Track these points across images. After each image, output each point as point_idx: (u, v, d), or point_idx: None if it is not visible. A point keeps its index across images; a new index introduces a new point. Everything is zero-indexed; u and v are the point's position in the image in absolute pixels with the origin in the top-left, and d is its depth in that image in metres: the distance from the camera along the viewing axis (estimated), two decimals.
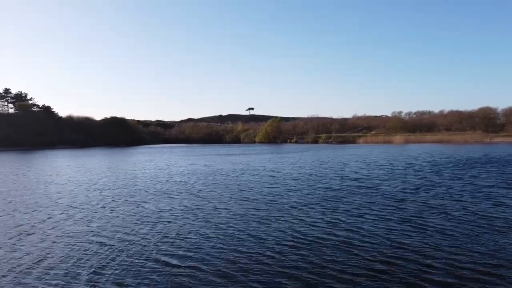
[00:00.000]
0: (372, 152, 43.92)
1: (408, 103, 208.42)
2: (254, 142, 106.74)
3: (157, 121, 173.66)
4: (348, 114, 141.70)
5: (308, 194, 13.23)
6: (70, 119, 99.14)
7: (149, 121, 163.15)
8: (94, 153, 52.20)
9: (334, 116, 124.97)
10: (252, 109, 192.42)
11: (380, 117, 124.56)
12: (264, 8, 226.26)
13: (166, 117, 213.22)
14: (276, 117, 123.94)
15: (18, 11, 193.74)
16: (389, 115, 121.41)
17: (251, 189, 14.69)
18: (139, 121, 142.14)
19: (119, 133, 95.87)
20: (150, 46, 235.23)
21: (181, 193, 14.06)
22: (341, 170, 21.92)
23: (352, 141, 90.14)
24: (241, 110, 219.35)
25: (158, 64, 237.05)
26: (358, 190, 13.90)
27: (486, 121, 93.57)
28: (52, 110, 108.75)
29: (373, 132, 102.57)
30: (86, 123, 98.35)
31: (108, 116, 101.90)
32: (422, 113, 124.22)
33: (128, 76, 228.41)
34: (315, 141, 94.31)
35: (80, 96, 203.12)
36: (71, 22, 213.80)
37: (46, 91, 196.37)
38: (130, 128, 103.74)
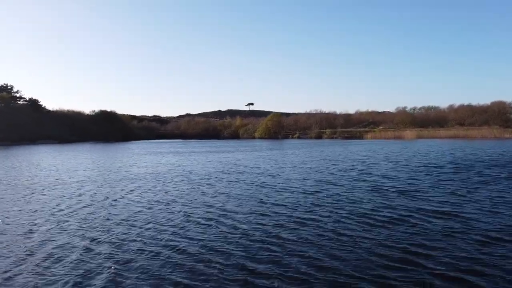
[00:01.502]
0: (389, 148, 37.18)
1: (409, 99, 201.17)
2: (253, 137, 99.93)
3: (154, 116, 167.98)
4: (350, 110, 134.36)
5: (337, 234, 6.47)
6: (56, 112, 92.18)
7: (145, 116, 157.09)
8: (70, 149, 45.49)
9: (337, 112, 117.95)
10: (252, 104, 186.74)
11: (383, 113, 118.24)
12: (264, 2, 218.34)
13: (165, 113, 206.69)
14: (277, 112, 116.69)
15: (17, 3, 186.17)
16: (393, 110, 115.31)
17: (224, 216, 7.98)
18: (134, 116, 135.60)
19: (108, 128, 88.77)
20: (150, 42, 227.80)
21: (94, 223, 7.34)
22: (368, 174, 15.21)
23: (360, 136, 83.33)
24: (240, 105, 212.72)
25: (157, 59, 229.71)
26: (439, 226, 7.11)
27: (501, 116, 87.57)
28: (40, 103, 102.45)
29: (381, 127, 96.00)
30: (74, 117, 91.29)
31: (97, 110, 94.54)
32: (428, 109, 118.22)
33: (125, 72, 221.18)
34: (319, 137, 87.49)
35: (82, 95, 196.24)
36: (71, 16, 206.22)
37: (50, 90, 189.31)
38: (120, 123, 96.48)
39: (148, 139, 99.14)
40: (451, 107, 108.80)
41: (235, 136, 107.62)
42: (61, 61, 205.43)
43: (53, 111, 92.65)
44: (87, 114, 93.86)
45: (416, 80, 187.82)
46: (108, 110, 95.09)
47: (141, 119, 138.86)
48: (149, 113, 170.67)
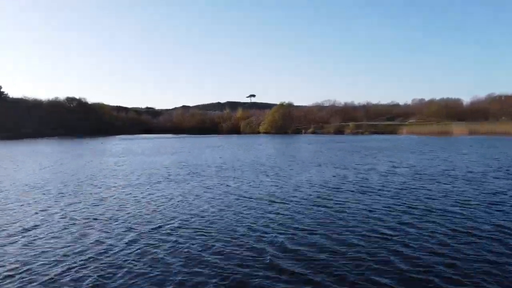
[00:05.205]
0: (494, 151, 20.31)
1: (422, 91, 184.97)
2: (258, 132, 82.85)
3: (147, 108, 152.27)
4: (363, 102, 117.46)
5: None
6: (12, 100, 74.53)
7: (138, 108, 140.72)
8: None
9: (355, 102, 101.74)
10: (254, 96, 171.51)
11: (400, 105, 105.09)
12: None
13: (160, 105, 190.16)
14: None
15: None
16: (409, 102, 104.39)
17: None
18: (123, 107, 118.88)
19: (76, 119, 71.16)
20: (149, 31, 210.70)
21: None
22: None
23: (392, 131, 66.36)
24: (241, 97, 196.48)
25: (153, 48, 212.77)
26: None
27: None
28: (2, 91, 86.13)
29: (411, 120, 79.43)
30: (31, 105, 73.19)
31: (62, 97, 75.91)
32: (447, 101, 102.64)
33: (120, 61, 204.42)
34: (340, 131, 70.58)
35: (82, 87, 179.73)
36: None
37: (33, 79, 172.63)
38: (94, 113, 78.67)
39: (131, 134, 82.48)
40: (489, 97, 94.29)
41: (235, 130, 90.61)
42: (47, 48, 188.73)
43: (9, 98, 75.02)
44: (49, 101, 75.31)
45: (426, 73, 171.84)
46: (77, 97, 77.08)
47: (132, 110, 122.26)
48: (143, 104, 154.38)
